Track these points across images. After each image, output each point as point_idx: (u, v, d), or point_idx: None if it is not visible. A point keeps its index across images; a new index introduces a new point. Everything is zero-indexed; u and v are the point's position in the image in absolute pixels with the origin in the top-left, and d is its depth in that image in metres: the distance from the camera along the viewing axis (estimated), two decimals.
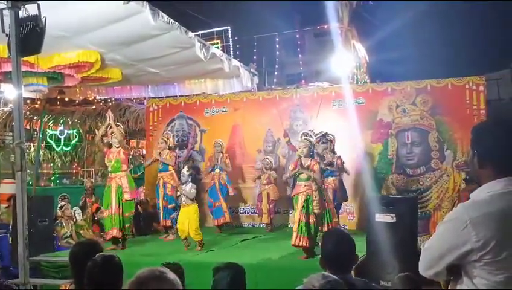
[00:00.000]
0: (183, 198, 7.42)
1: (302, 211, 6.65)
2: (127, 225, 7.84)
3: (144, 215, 9.86)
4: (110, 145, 8.03)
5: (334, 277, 2.54)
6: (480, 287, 1.90)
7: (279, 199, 9.14)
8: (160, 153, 8.80)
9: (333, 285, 2.44)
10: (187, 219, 7.29)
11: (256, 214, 9.52)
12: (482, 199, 1.98)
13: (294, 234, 6.64)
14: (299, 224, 6.63)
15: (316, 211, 6.67)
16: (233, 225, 9.60)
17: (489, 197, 1.97)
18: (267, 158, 9.20)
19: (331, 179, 8.14)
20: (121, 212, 7.66)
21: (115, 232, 7.61)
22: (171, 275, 2.05)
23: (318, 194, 6.76)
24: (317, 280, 2.45)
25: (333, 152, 8.35)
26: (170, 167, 8.69)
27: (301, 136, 7.06)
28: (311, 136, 7.02)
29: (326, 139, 8.25)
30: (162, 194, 8.69)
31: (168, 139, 8.93)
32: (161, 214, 8.73)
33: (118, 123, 8.43)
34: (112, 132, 7.88)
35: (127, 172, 7.91)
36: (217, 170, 9.20)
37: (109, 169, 7.94)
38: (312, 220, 6.67)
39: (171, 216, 8.49)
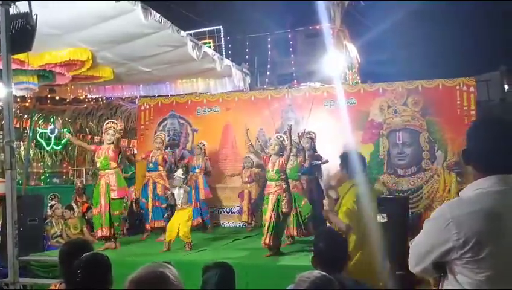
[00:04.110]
0: (178, 201, 7.37)
1: (273, 210, 6.70)
2: (116, 224, 7.61)
3: (139, 214, 9.78)
4: (100, 143, 7.88)
5: (326, 274, 2.54)
6: (463, 285, 1.92)
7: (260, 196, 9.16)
8: (152, 155, 8.76)
9: (324, 282, 2.44)
10: (178, 222, 7.24)
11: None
12: (467, 197, 2.01)
13: (266, 233, 6.68)
14: (269, 224, 6.68)
15: (283, 210, 6.74)
16: (219, 225, 9.61)
17: (474, 195, 1.98)
18: (249, 156, 9.21)
19: (305, 177, 8.18)
20: (110, 210, 7.44)
21: (104, 231, 7.40)
22: (172, 273, 2.03)
23: (288, 194, 6.84)
24: (308, 278, 2.46)
25: (314, 150, 8.40)
26: (160, 167, 8.64)
27: (274, 138, 7.13)
28: (283, 139, 7.07)
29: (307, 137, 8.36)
30: (152, 195, 8.64)
31: (164, 139, 8.93)
32: (149, 215, 8.59)
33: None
34: (108, 129, 7.64)
35: (116, 169, 7.63)
36: (197, 170, 9.17)
37: (98, 166, 7.70)
38: (280, 219, 6.75)
39: (164, 216, 8.42)
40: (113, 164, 7.58)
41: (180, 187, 7.36)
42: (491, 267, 1.87)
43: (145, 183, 8.88)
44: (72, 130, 13.80)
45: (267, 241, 6.67)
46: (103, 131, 7.83)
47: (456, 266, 1.94)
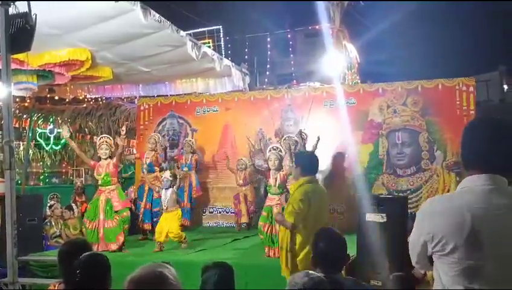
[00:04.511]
0: (165, 203, 7.35)
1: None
2: (126, 226, 7.49)
3: (137, 215, 9.74)
4: (98, 158, 7.74)
5: (318, 274, 2.55)
6: (443, 279, 1.97)
7: (255, 198, 9.16)
8: (146, 156, 8.78)
9: (316, 283, 2.44)
10: (166, 225, 7.22)
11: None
12: (451, 193, 2.13)
13: (273, 245, 6.58)
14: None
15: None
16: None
17: (459, 192, 2.04)
18: (242, 159, 9.17)
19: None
20: (108, 226, 7.33)
21: (119, 243, 7.29)
22: (171, 273, 2.03)
23: None
24: (300, 278, 2.46)
25: (304, 147, 8.41)
26: (156, 168, 8.65)
27: (270, 150, 7.08)
28: (280, 150, 7.04)
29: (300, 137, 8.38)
30: (145, 196, 8.67)
31: (157, 140, 8.95)
32: (140, 216, 8.69)
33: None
34: (101, 144, 7.61)
35: (117, 185, 7.64)
36: (185, 169, 9.17)
37: (99, 183, 7.63)
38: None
39: (154, 219, 8.41)
40: (114, 180, 7.61)
41: (167, 189, 7.34)
42: (458, 263, 1.90)
43: (140, 185, 8.98)
44: (71, 130, 13.80)
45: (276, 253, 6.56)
46: (97, 146, 7.81)
47: (437, 261, 2.00)
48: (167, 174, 7.58)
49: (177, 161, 9.52)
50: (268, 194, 7.04)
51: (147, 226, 8.64)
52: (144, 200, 8.72)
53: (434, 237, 1.96)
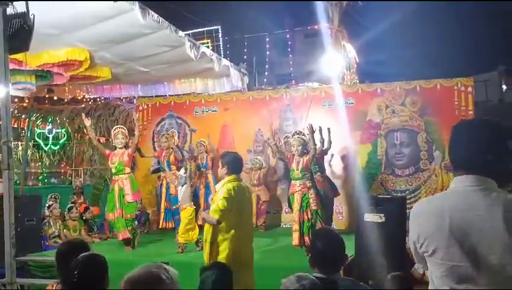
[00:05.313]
0: (180, 200, 7.37)
1: (300, 210, 6.70)
2: (129, 228, 7.54)
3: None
4: (114, 147, 7.80)
5: (311, 276, 2.54)
6: (434, 280, 1.99)
7: (269, 199, 9.18)
8: (164, 154, 8.79)
9: (307, 287, 2.43)
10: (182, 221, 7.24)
11: None
12: (439, 194, 2.12)
13: (296, 234, 6.67)
14: (299, 224, 6.67)
15: (313, 207, 6.70)
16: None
17: (445, 192, 2.07)
18: (257, 158, 9.20)
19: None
20: (123, 214, 7.48)
21: (127, 234, 7.46)
22: (168, 274, 2.03)
23: (314, 191, 6.81)
24: (291, 283, 2.45)
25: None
26: (173, 167, 8.64)
27: (293, 135, 7.11)
28: (303, 134, 7.05)
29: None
30: (165, 195, 8.68)
31: (172, 137, 8.93)
32: (161, 215, 8.75)
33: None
34: (116, 133, 7.72)
35: (130, 174, 7.70)
36: (203, 169, 9.16)
37: (113, 171, 7.73)
38: (309, 217, 6.70)
39: (175, 218, 8.36)
40: (128, 169, 7.68)
41: (183, 186, 7.37)
42: (443, 264, 1.91)
43: (160, 184, 9.01)
44: (70, 130, 13.80)
45: (296, 242, 6.64)
46: (112, 137, 7.90)
47: (428, 262, 2.01)
48: (182, 171, 7.62)
49: (195, 159, 9.39)
50: (292, 180, 6.99)
51: (171, 224, 8.62)
52: (164, 198, 8.75)
53: (419, 238, 1.99)
